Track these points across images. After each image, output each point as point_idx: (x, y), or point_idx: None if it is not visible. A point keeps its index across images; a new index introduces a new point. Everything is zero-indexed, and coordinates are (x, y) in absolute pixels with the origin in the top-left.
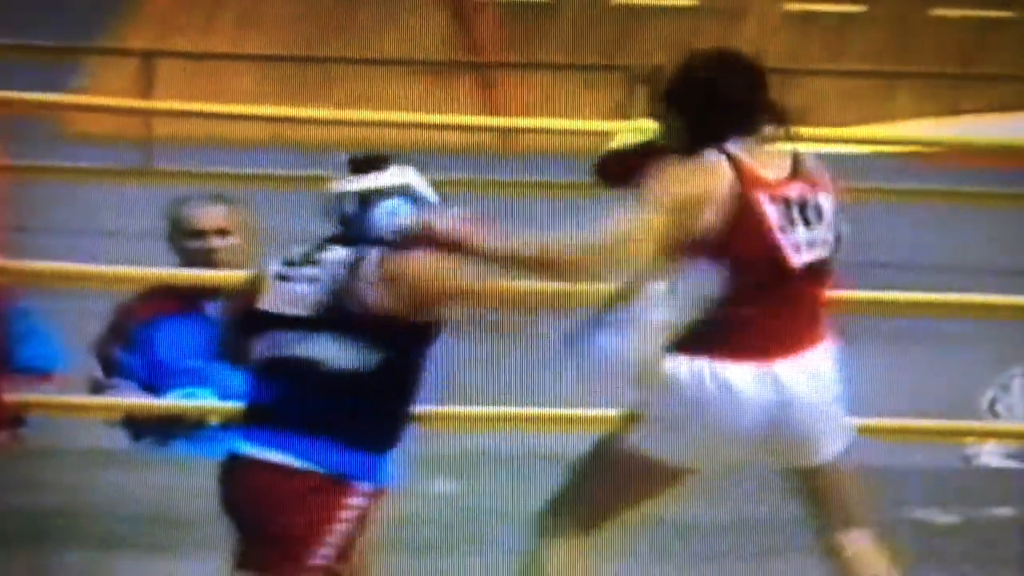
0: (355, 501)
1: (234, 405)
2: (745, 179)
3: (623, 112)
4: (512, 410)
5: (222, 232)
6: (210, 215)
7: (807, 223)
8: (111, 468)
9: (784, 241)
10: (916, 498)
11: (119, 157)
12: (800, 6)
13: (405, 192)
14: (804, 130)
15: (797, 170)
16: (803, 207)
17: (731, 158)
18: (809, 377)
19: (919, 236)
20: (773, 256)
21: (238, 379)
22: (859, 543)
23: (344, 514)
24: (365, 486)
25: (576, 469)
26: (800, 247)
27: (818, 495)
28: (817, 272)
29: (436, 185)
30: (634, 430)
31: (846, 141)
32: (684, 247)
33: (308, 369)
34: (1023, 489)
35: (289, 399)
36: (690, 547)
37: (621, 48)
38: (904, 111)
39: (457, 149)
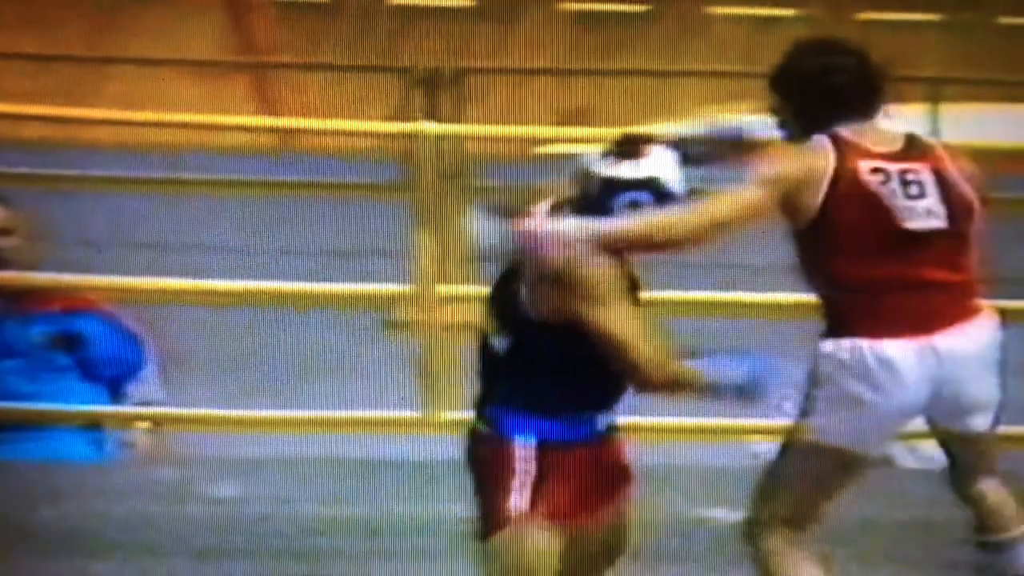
0: (520, 455)
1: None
2: (847, 155)
3: (402, 112)
4: (295, 414)
5: (4, 232)
6: None
7: (909, 196)
8: None
9: (892, 204)
10: (704, 497)
11: None
12: (577, 6)
13: (650, 186)
14: (588, 130)
15: (908, 148)
16: (904, 181)
17: (836, 139)
18: (967, 349)
19: None
20: (887, 221)
21: (24, 381)
22: (997, 490)
23: (515, 467)
24: (526, 442)
25: (768, 472)
26: (910, 213)
27: (964, 457)
28: (944, 244)
29: (221, 186)
30: (809, 422)
31: None
32: (793, 226)
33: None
34: None
35: (480, 367)
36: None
37: (399, 49)
38: (688, 109)
39: (235, 150)
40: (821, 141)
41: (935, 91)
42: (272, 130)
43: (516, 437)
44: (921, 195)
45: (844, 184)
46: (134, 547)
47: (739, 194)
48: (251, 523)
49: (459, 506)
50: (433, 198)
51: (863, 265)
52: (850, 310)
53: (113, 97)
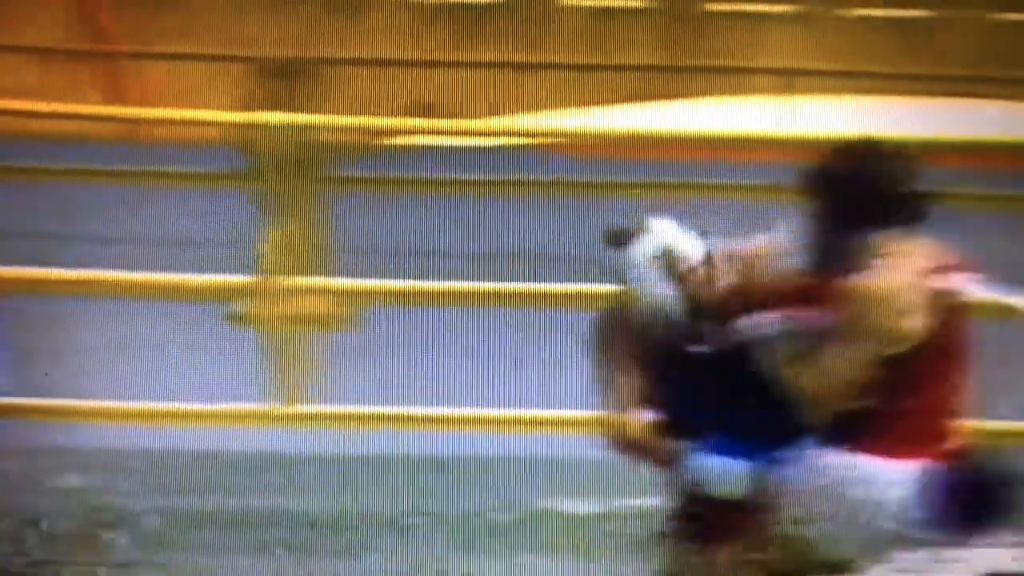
0: None
1: None
2: (931, 275)
3: (249, 102)
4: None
5: None
6: None
7: (937, 312)
8: None
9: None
10: (558, 488)
11: None
12: None
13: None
14: (437, 122)
15: (938, 258)
16: (943, 296)
17: (917, 261)
18: (928, 478)
19: (555, 226)
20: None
21: None
22: None
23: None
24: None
25: None
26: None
27: None
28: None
29: (67, 174)
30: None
31: (481, 133)
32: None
33: None
34: (660, 478)
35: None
36: None
37: (247, 39)
38: (540, 101)
39: (81, 138)
40: (900, 262)
41: (788, 83)
42: (118, 119)
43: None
44: (936, 313)
45: (939, 307)
46: None
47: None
48: (98, 513)
49: (303, 499)
50: (280, 189)
51: (906, 388)
52: (871, 427)
53: None
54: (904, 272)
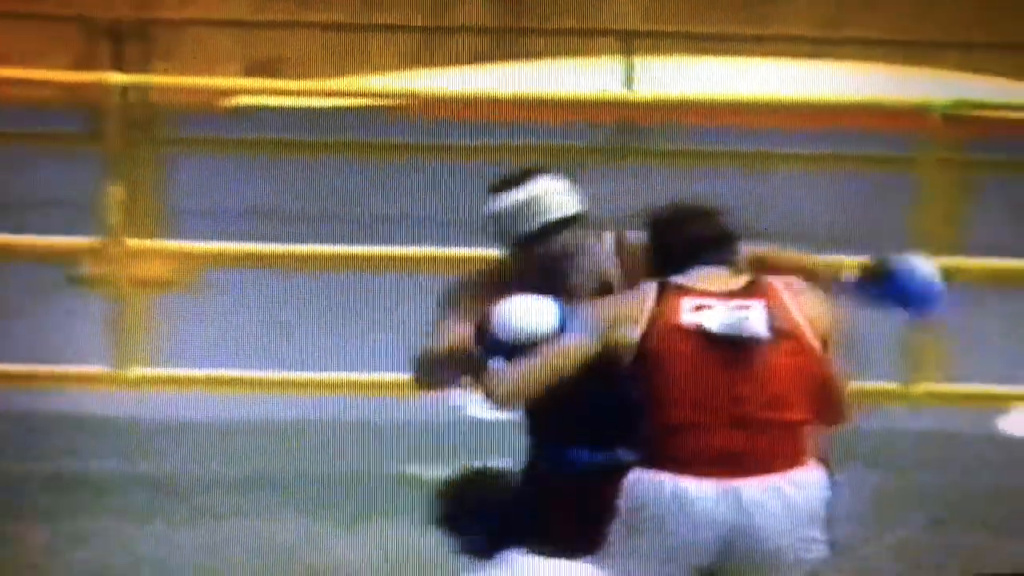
0: None
1: None
2: (668, 296)
3: (87, 63)
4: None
5: None
6: None
7: (735, 341)
8: None
9: (704, 345)
10: (410, 453)
11: None
12: None
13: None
14: (277, 83)
15: (745, 288)
16: (730, 323)
17: (664, 284)
18: (776, 499)
19: (398, 188)
20: (701, 355)
21: None
22: None
23: None
24: None
25: None
26: (727, 354)
27: None
28: (768, 382)
29: None
30: (603, 556)
31: (323, 94)
32: (616, 362)
33: None
34: (513, 440)
35: None
36: None
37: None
38: (376, 63)
39: None
40: (646, 285)
41: (628, 44)
42: None
43: None
44: (736, 342)
45: (662, 320)
46: None
47: (563, 348)
48: None
49: (146, 464)
50: (122, 149)
51: (678, 401)
52: (660, 445)
53: None
54: (632, 292)
